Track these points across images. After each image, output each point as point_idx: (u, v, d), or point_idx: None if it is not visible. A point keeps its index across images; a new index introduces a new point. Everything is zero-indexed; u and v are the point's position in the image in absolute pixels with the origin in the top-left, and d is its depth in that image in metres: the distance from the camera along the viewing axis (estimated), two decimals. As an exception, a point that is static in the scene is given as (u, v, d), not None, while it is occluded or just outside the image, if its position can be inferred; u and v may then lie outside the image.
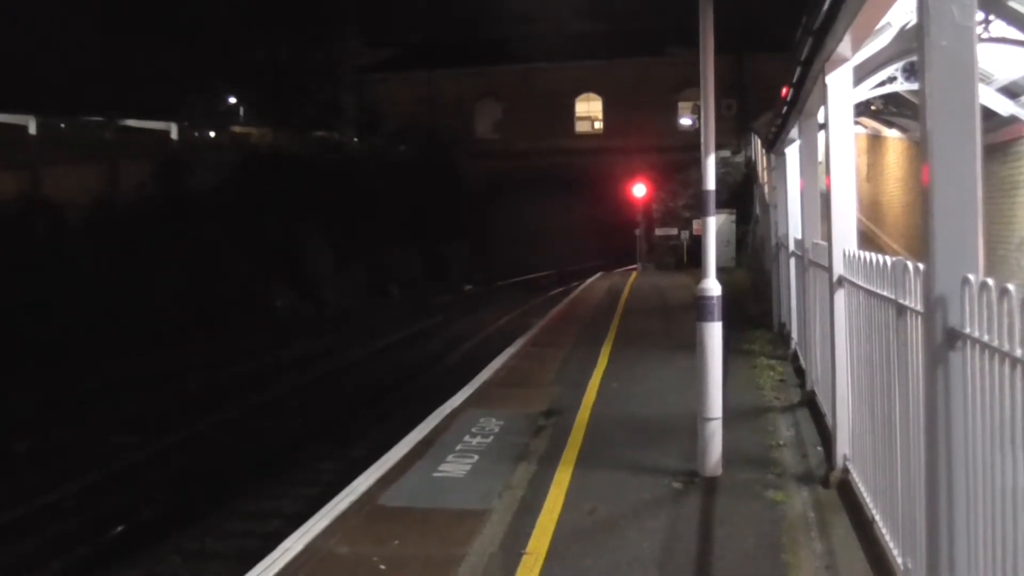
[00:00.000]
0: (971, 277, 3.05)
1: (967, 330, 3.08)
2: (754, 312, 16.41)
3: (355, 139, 42.62)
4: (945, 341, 3.25)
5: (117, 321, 20.77)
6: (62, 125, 27.78)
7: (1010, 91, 10.50)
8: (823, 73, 6.39)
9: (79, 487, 10.21)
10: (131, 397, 15.34)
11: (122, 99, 31.59)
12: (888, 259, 4.55)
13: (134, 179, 26.47)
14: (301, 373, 17.55)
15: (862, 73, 8.60)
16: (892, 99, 12.91)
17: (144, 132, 30.43)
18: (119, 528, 9.01)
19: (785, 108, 10.17)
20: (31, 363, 17.81)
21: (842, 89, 6.30)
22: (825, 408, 7.52)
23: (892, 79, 9.78)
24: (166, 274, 23.30)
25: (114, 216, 24.57)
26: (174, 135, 31.08)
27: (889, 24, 7.22)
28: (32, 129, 25.76)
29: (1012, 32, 8.31)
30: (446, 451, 7.73)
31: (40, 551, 8.60)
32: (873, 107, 14.25)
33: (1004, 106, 10.56)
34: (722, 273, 7.93)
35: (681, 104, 45.36)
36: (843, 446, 6.22)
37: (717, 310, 6.79)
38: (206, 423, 13.26)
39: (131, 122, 30.39)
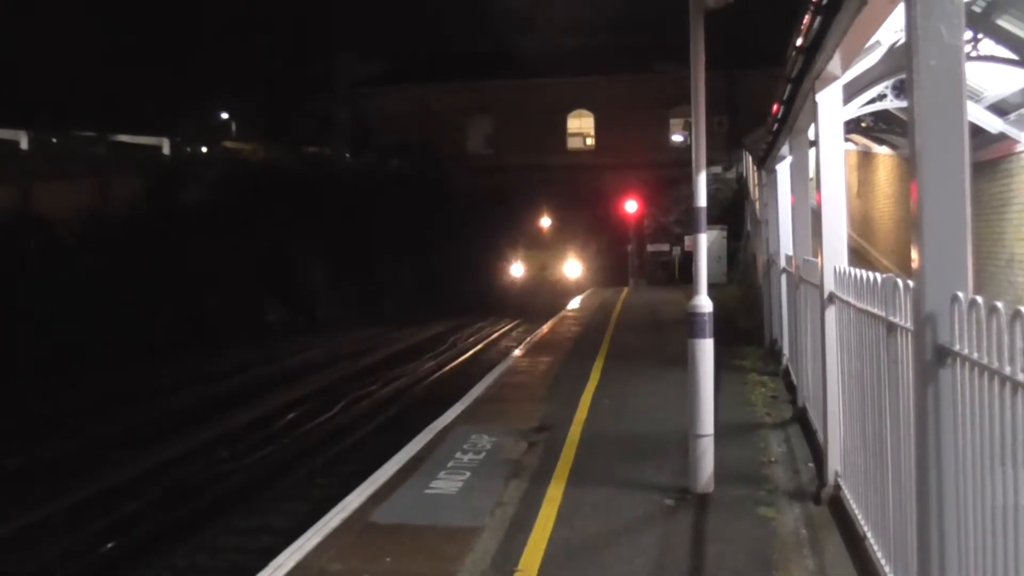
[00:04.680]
0: (960, 295, 3.07)
1: (956, 348, 3.09)
2: (745, 328, 16.42)
3: (347, 154, 42.64)
4: (935, 358, 3.26)
5: (107, 335, 20.68)
6: (54, 140, 27.70)
7: (999, 109, 10.59)
8: (813, 91, 6.42)
9: (69, 503, 10.13)
10: (120, 411, 15.22)
11: (114, 114, 31.57)
12: (878, 276, 4.57)
13: (126, 194, 26.39)
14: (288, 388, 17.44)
15: (852, 91, 8.67)
16: (882, 116, 13.01)
17: (136, 147, 30.33)
18: (109, 545, 8.96)
19: (776, 125, 10.22)
20: (21, 376, 17.71)
21: (832, 106, 6.34)
22: (816, 424, 7.53)
23: (882, 96, 9.86)
24: (157, 289, 23.21)
25: (106, 231, 24.49)
26: (166, 150, 30.99)
27: (879, 43, 7.28)
28: (24, 144, 25.69)
29: (1000, 51, 8.41)
30: (438, 468, 7.71)
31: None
32: (863, 124, 14.36)
33: (993, 123, 10.64)
34: (713, 289, 7.94)
35: (673, 120, 45.46)
36: (834, 463, 6.23)
37: (709, 326, 6.80)
38: (191, 440, 13.21)
39: (123, 137, 30.33)
